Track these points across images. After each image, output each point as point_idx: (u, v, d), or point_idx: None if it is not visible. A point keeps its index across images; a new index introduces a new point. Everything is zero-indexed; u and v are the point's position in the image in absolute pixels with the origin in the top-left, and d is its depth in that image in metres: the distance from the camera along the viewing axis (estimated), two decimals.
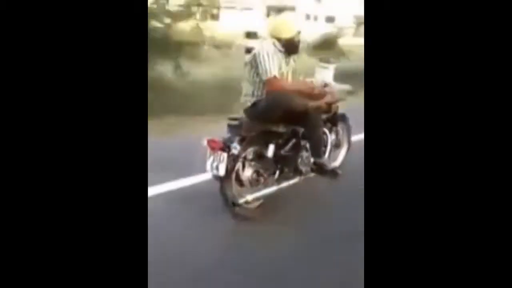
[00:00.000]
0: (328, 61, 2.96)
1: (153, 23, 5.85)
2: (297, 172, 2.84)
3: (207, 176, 2.65)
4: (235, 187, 2.51)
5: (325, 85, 2.84)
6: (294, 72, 2.75)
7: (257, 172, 2.59)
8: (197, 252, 2.20)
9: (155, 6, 6.18)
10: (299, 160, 2.83)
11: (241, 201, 2.51)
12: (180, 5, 7.35)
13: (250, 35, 5.73)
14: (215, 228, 2.48)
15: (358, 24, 28.66)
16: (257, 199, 2.63)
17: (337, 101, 2.91)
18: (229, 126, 2.57)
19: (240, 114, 2.67)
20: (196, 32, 6.74)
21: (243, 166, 2.54)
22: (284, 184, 2.78)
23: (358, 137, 3.40)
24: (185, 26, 6.92)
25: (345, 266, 2.05)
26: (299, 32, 2.63)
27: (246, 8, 31.65)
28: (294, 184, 2.87)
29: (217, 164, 2.37)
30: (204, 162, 2.47)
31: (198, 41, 6.71)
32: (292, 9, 26.46)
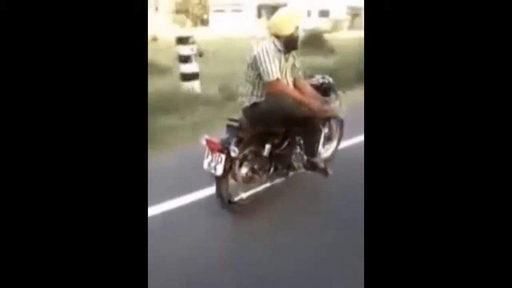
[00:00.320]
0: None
1: None
2: (290, 168, 2.90)
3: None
4: (231, 184, 2.57)
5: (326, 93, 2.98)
6: (293, 68, 2.73)
7: (252, 169, 2.64)
8: (196, 252, 2.23)
9: None
10: (293, 157, 2.88)
11: (236, 199, 2.59)
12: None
13: (182, 40, 5.25)
14: (213, 227, 2.52)
15: (353, 16, 27.76)
16: (252, 196, 2.69)
17: (334, 115, 3.00)
18: (228, 126, 2.59)
19: (239, 114, 2.68)
20: None
21: (240, 165, 2.59)
22: (277, 180, 2.85)
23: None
24: None
25: (345, 264, 2.08)
26: (297, 28, 2.58)
27: (236, 10, 30.95)
28: (291, 181, 2.94)
29: (215, 165, 2.43)
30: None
31: None
32: (285, 6, 25.55)
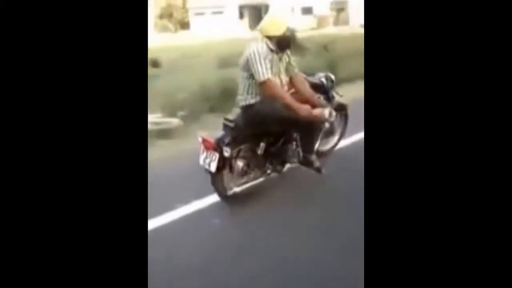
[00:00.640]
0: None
1: None
2: (285, 163, 2.97)
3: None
4: (226, 178, 2.65)
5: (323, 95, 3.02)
6: (288, 66, 2.81)
7: (247, 164, 2.75)
8: (194, 251, 2.29)
9: None
10: (289, 153, 2.93)
11: (230, 193, 2.67)
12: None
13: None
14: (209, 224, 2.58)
15: (338, 11, 27.28)
16: (245, 190, 2.76)
17: (322, 121, 2.94)
18: (224, 125, 2.69)
19: (237, 113, 2.78)
20: None
21: (236, 157, 2.67)
22: (272, 175, 2.91)
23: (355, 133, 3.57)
24: None
25: (345, 264, 2.06)
26: (288, 28, 2.70)
27: (217, 12, 30.28)
28: (289, 178, 3.01)
29: (210, 162, 2.54)
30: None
31: None
32: (266, 5, 24.89)
